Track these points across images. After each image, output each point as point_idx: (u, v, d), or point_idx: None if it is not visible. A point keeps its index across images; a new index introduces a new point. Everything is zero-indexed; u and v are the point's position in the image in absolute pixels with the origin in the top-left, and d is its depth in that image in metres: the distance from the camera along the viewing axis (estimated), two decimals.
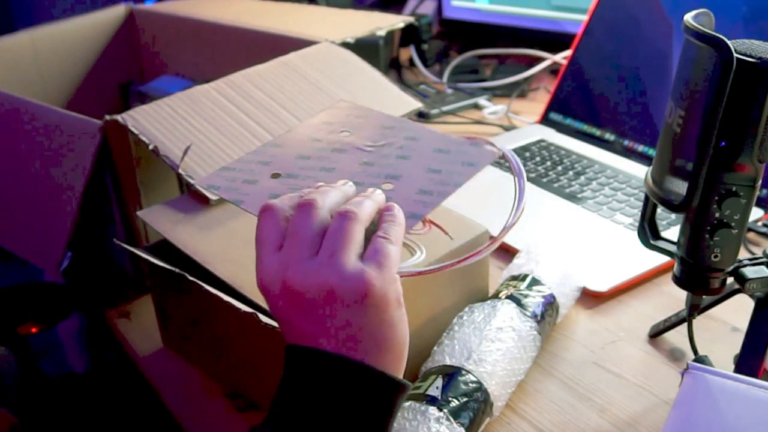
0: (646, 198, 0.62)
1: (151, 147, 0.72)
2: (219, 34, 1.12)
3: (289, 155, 0.60)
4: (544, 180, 0.99)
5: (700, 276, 0.59)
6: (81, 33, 1.15)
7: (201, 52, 1.15)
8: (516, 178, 0.58)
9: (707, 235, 0.56)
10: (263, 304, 0.61)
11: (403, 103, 0.85)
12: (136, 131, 0.73)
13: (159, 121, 0.75)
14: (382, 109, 0.78)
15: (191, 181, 0.70)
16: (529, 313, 0.66)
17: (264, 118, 0.76)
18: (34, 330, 0.78)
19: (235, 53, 1.09)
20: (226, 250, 0.66)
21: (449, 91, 1.33)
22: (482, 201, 0.78)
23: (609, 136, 1.07)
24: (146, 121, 0.75)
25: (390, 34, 1.36)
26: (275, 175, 0.57)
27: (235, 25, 1.09)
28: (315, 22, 1.09)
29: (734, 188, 0.54)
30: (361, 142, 0.60)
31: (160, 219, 0.69)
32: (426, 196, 0.54)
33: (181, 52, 1.19)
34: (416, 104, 0.84)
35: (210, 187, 0.57)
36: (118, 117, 0.73)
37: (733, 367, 0.64)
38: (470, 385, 0.59)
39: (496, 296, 0.68)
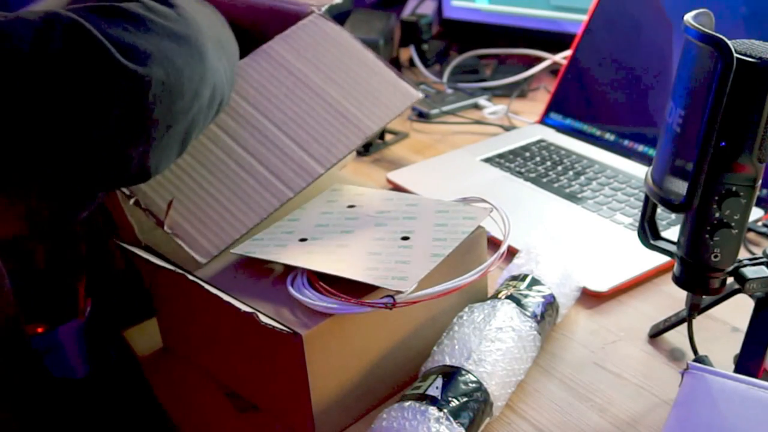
0: (646, 198, 0.62)
1: (131, 202, 0.66)
2: None
3: (308, 225, 0.68)
4: (544, 180, 0.99)
5: (700, 276, 0.59)
6: None
7: None
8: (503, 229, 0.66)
9: (707, 235, 0.56)
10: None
11: (400, 94, 0.78)
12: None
13: None
14: (377, 101, 0.77)
15: (180, 243, 0.65)
16: (529, 313, 0.66)
17: (250, 138, 0.70)
18: (39, 330, 0.78)
19: None
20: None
21: (449, 91, 1.33)
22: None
23: (609, 136, 1.07)
24: None
25: (390, 33, 1.35)
26: (303, 240, 0.65)
27: None
28: None
29: (734, 188, 0.54)
30: (368, 211, 0.68)
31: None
32: (441, 242, 0.62)
33: None
34: (416, 94, 0.79)
35: (246, 253, 0.64)
36: None
37: (733, 367, 0.64)
38: (470, 385, 0.59)
39: (495, 296, 0.68)
